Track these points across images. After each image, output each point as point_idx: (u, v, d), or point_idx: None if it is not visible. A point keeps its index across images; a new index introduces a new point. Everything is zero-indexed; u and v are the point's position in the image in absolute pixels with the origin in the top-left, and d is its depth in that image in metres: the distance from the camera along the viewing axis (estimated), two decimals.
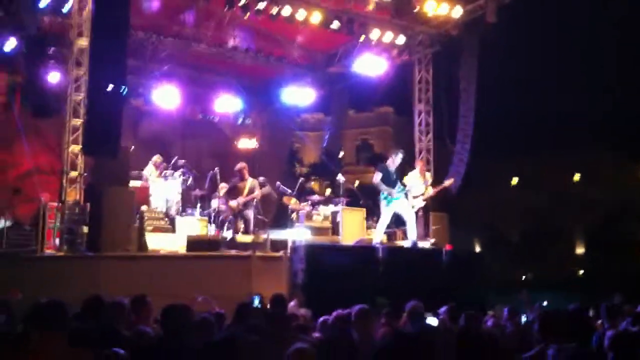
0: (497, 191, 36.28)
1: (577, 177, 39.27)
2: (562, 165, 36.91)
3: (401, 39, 15.89)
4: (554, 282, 28.99)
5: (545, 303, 8.99)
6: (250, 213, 13.44)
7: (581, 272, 36.13)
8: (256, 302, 7.88)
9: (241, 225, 13.38)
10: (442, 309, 7.20)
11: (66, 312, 4.19)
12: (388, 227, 13.14)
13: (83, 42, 11.81)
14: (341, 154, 33.88)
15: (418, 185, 13.49)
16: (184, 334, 4.58)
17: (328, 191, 27.41)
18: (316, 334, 6.00)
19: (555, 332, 5.21)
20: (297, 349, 3.59)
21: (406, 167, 13.71)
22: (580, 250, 38.14)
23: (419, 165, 14.15)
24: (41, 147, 15.70)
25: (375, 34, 15.36)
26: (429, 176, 14.15)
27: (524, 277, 35.15)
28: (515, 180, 40.30)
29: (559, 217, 36.66)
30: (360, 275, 11.15)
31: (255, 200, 13.45)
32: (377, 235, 12.73)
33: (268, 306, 7.29)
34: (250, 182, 13.42)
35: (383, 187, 12.28)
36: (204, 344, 3.39)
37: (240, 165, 13.58)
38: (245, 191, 13.30)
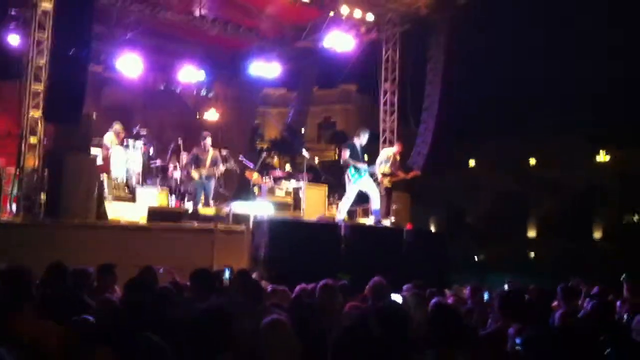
0: (457, 172, 36.76)
1: (532, 161, 39.97)
2: (522, 147, 37.54)
3: (370, 16, 15.85)
4: (511, 264, 29.62)
5: (506, 287, 9.11)
6: (211, 185, 13.35)
7: (532, 254, 36.93)
8: (227, 275, 7.84)
9: (202, 198, 13.29)
10: (406, 286, 7.26)
11: (30, 278, 4.10)
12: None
13: (47, 4, 11.44)
14: (303, 130, 33.84)
15: (386, 164, 13.59)
16: (148, 304, 4.54)
17: (287, 167, 27.39)
18: None
19: (514, 311, 5.31)
20: (273, 320, 3.57)
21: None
22: (533, 233, 38.95)
23: (397, 146, 14.25)
24: None
25: (345, 9, 15.29)
26: (397, 160, 14.26)
27: (476, 257, 35.81)
28: (472, 163, 40.87)
29: (517, 199, 37.38)
30: (322, 252, 11.18)
31: (217, 173, 13.36)
32: (341, 212, 12.76)
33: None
34: (212, 152, 13.29)
35: (352, 162, 12.27)
36: (190, 314, 3.35)
37: (205, 134, 13.46)
38: (208, 162, 13.17)
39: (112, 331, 4.06)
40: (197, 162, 13.20)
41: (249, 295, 5.14)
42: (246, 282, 5.59)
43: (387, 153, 13.69)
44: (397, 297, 6.56)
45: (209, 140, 13.33)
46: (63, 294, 4.42)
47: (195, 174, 13.11)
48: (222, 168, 13.29)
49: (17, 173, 11.22)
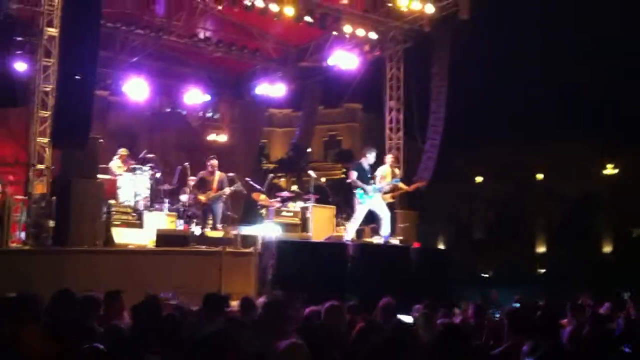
0: (462, 186, 36.65)
1: (540, 176, 39.77)
2: (527, 159, 37.36)
3: (373, 35, 15.93)
4: (517, 278, 29.39)
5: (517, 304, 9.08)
6: (219, 208, 13.38)
7: (542, 271, 36.63)
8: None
9: (209, 221, 13.29)
10: (416, 307, 7.22)
11: (38, 305, 4.13)
12: None
13: (53, 31, 11.55)
14: (309, 150, 33.91)
15: (386, 180, 13.49)
16: (155, 330, 4.53)
17: (294, 187, 27.39)
18: None
19: (524, 328, 5.29)
20: (292, 343, 3.54)
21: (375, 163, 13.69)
22: (542, 248, 38.67)
23: (389, 160, 14.10)
24: (5, 138, 15.35)
25: (347, 28, 15.39)
26: (397, 172, 14.11)
27: (486, 275, 35.53)
28: (479, 179, 40.70)
29: (523, 212, 37.17)
30: (330, 272, 11.14)
31: (224, 196, 13.39)
32: (349, 232, 12.72)
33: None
34: (218, 175, 13.34)
35: (359, 184, 12.25)
36: (193, 339, 3.34)
37: (211, 157, 13.56)
38: (215, 185, 13.22)
39: (121, 358, 4.06)
40: (204, 185, 13.24)
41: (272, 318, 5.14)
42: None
43: (382, 172, 13.45)
44: (407, 318, 6.54)
45: (215, 163, 13.39)
46: (71, 322, 4.42)
47: (202, 197, 13.15)
48: (227, 191, 13.31)
49: (26, 200, 11.24)
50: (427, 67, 15.82)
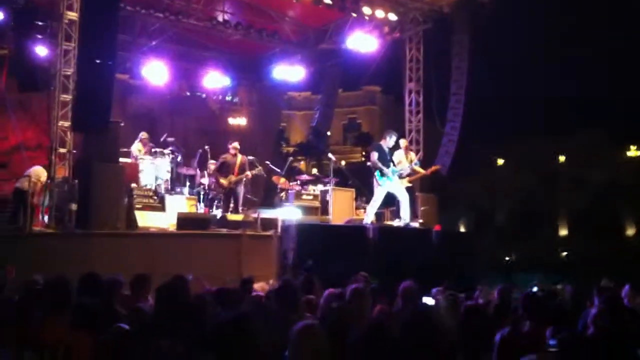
0: (484, 172, 36.48)
1: (562, 158, 39.50)
2: (549, 146, 37.11)
3: (393, 16, 15.78)
4: (539, 263, 29.26)
5: (535, 289, 9.01)
6: (240, 191, 13.43)
7: (564, 253, 36.44)
8: None
9: (231, 204, 13.34)
10: (435, 290, 7.20)
11: (70, 291, 4.16)
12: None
13: (73, 15, 11.56)
14: (328, 133, 33.90)
15: (402, 165, 13.39)
16: (180, 312, 4.54)
17: (314, 171, 27.36)
18: None
19: (540, 313, 5.25)
20: (306, 325, 3.53)
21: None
22: (564, 232, 38.45)
23: (403, 144, 14.02)
24: (28, 122, 15.46)
25: (367, 10, 15.26)
26: (413, 156, 14.03)
27: (507, 258, 35.40)
28: (500, 162, 40.49)
29: (545, 198, 36.94)
30: (350, 255, 11.15)
31: (245, 179, 13.43)
32: (369, 215, 12.69)
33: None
34: (240, 159, 13.39)
35: (379, 165, 12.20)
36: (217, 322, 3.32)
37: (233, 140, 13.68)
38: (237, 168, 13.28)
39: (144, 340, 4.09)
40: (225, 168, 13.30)
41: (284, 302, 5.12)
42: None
43: (398, 157, 13.37)
44: (428, 300, 6.51)
45: (237, 146, 13.46)
46: (96, 304, 4.46)
47: (224, 181, 13.21)
48: (249, 174, 13.35)
49: (48, 184, 11.33)
50: (447, 48, 15.64)
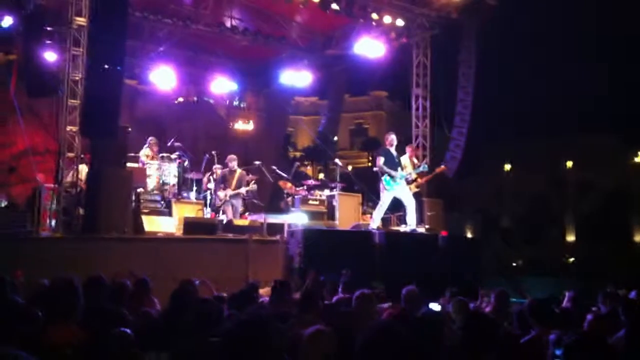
0: (491, 176, 36.39)
1: (570, 163, 39.36)
2: (556, 150, 37.03)
3: (400, 22, 15.79)
4: (546, 269, 29.14)
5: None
6: (238, 203, 13.72)
7: (571, 259, 36.29)
8: None
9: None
10: (442, 299, 7.20)
11: (78, 294, 4.18)
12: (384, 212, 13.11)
13: (81, 20, 11.64)
14: (335, 138, 33.89)
15: (407, 170, 13.40)
16: (189, 316, 4.57)
17: (321, 176, 27.39)
18: None
19: (546, 318, 5.24)
20: (317, 330, 3.54)
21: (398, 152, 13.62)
22: (571, 237, 38.30)
23: (408, 150, 14.04)
24: (36, 127, 15.56)
25: (374, 16, 15.28)
26: (417, 162, 14.04)
27: (514, 264, 35.27)
28: (507, 167, 40.40)
29: (553, 203, 36.83)
30: (356, 260, 11.12)
31: (241, 194, 13.64)
32: (375, 220, 12.70)
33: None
34: (238, 173, 13.73)
35: (386, 170, 12.23)
36: (233, 324, 3.33)
37: (231, 157, 13.90)
38: (234, 183, 13.57)
39: (150, 343, 4.11)
40: (224, 182, 13.69)
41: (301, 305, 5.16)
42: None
43: (404, 162, 13.38)
44: (435, 306, 6.51)
45: (235, 163, 13.80)
46: (102, 307, 4.49)
47: (221, 194, 13.57)
48: (243, 191, 13.60)
49: (56, 188, 11.38)
50: (454, 54, 15.64)
